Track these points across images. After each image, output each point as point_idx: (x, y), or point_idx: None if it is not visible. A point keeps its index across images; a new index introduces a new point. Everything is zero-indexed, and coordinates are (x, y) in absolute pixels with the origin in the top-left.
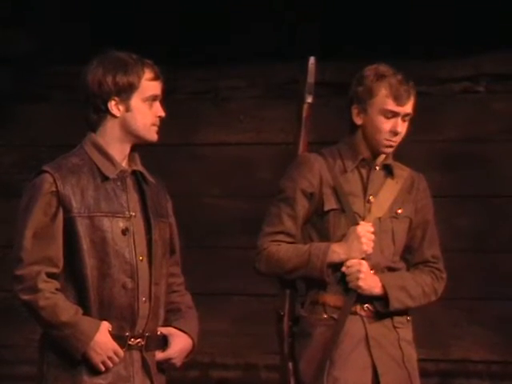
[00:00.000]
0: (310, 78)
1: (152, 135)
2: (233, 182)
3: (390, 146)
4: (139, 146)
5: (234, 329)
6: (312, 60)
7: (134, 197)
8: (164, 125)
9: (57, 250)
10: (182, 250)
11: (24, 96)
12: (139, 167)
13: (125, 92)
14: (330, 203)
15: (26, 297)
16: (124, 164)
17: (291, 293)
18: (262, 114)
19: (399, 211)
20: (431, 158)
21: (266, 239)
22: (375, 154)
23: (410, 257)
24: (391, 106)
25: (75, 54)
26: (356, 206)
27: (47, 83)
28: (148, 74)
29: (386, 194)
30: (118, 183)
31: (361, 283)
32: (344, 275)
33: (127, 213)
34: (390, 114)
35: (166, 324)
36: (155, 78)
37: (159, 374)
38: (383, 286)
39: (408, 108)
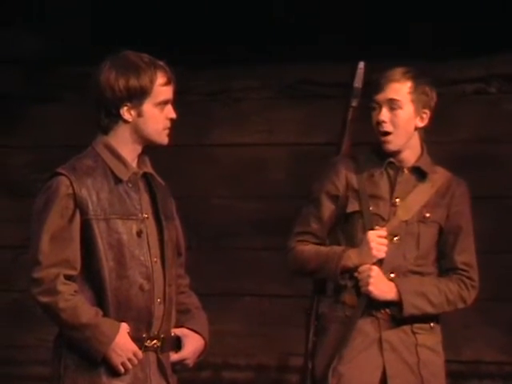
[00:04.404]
0: (357, 83)
1: (163, 139)
2: (245, 183)
3: (384, 141)
4: (151, 148)
5: (245, 329)
6: (361, 65)
7: (145, 199)
8: (176, 125)
9: (74, 252)
10: (193, 251)
11: (35, 97)
12: (149, 169)
13: (137, 98)
14: (353, 205)
15: (45, 299)
16: (134, 165)
17: (320, 293)
18: (274, 115)
19: (427, 215)
20: (443, 159)
21: (294, 239)
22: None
23: (442, 262)
24: (373, 95)
25: (85, 55)
26: (381, 209)
27: (59, 84)
28: (161, 78)
29: (416, 198)
30: (130, 185)
31: (371, 288)
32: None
33: (140, 215)
34: (374, 104)
35: (178, 325)
36: (168, 83)
37: (173, 376)
38: (398, 292)
39: (387, 94)
